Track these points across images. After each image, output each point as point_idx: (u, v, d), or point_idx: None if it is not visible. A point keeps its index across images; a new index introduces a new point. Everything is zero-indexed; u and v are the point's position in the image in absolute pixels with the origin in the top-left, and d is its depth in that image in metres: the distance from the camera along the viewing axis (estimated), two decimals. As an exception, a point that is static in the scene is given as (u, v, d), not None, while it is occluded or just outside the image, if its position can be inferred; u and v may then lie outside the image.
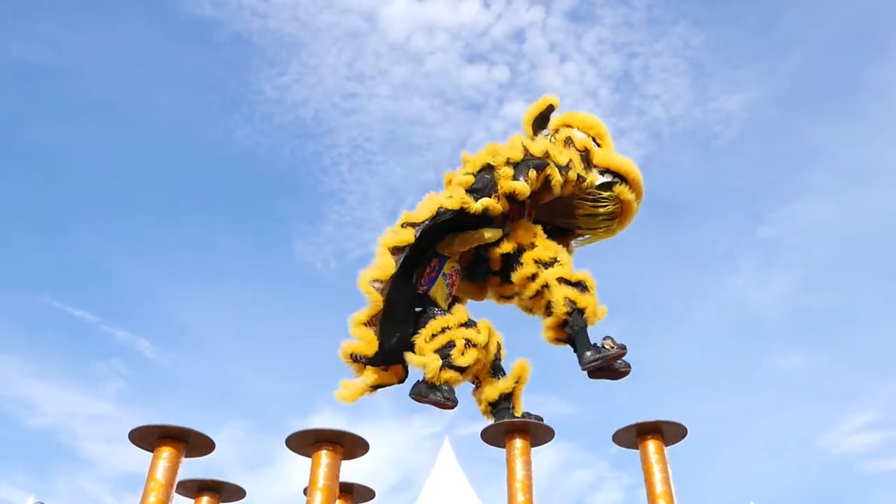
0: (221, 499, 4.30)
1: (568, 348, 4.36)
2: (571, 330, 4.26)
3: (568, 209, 4.83)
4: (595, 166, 4.70)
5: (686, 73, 42.31)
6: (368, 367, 4.30)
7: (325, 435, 3.68)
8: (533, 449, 3.88)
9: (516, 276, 4.44)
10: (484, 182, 4.40)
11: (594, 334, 4.25)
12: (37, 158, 41.16)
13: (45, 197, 42.22)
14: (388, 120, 44.08)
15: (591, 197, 4.70)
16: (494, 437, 3.95)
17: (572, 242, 4.99)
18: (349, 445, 3.76)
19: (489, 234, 4.44)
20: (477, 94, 43.59)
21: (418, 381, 4.17)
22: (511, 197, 4.41)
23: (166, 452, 3.60)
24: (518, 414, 4.27)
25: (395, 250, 4.14)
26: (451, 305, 4.48)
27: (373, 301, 4.10)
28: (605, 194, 4.68)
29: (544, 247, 4.46)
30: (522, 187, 4.37)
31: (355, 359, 4.18)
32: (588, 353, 4.18)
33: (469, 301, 4.90)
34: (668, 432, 3.99)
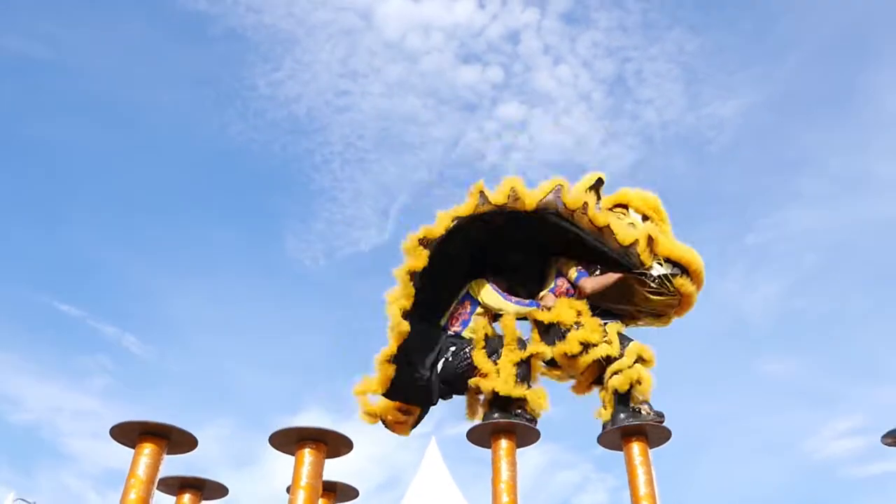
0: (203, 496, 4.26)
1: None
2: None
3: (621, 295, 4.53)
4: (656, 254, 4.34)
5: (680, 79, 42.49)
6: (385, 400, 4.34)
7: (308, 433, 3.66)
8: (519, 450, 3.87)
9: (557, 351, 4.32)
10: None
11: None
12: (30, 153, 40.81)
13: (37, 191, 41.96)
14: (382, 118, 43.90)
15: (647, 288, 4.37)
16: (480, 437, 3.94)
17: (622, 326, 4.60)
18: (333, 444, 3.73)
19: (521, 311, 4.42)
20: (471, 94, 43.50)
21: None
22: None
23: (148, 449, 3.56)
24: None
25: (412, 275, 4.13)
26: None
27: (395, 330, 4.08)
28: (665, 285, 4.33)
29: (591, 328, 4.29)
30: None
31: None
32: (622, 416, 4.11)
33: None
34: (652, 434, 3.98)
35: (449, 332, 4.42)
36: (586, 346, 4.22)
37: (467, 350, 4.27)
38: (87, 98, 43.32)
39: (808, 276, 40.91)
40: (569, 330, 4.27)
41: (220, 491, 4.28)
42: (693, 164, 45.18)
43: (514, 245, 4.58)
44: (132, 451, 3.58)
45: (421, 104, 43.26)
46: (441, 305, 4.52)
